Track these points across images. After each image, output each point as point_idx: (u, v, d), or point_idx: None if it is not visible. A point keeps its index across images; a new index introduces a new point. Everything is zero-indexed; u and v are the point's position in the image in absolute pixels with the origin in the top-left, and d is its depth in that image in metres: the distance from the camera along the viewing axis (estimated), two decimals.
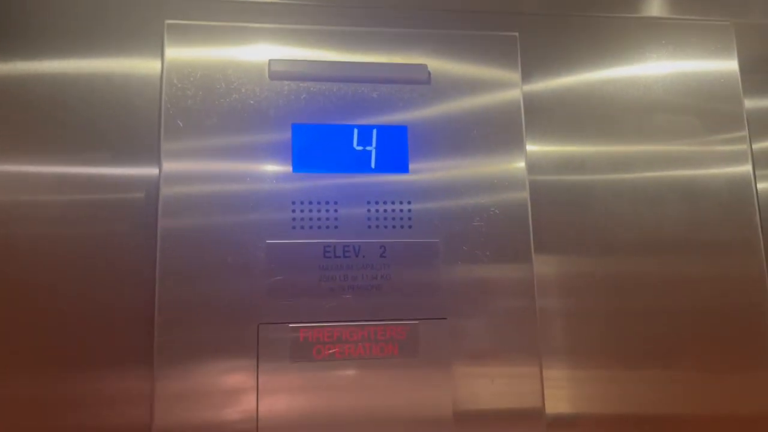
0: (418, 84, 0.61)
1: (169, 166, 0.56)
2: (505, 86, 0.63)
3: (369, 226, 0.58)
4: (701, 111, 0.67)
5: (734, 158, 0.66)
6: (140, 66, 0.58)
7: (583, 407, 0.60)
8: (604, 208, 0.63)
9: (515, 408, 0.57)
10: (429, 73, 0.61)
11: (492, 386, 0.57)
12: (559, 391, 0.60)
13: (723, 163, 0.66)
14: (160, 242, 0.54)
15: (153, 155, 0.57)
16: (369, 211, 0.58)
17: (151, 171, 0.57)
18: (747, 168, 0.66)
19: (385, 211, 0.58)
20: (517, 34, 0.64)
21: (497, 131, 0.61)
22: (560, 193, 0.63)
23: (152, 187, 0.56)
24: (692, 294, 0.63)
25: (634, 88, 0.67)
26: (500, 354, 0.58)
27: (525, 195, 0.61)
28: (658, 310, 0.62)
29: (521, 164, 0.61)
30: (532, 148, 0.63)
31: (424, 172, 0.60)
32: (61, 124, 0.56)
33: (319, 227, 0.57)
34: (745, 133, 0.67)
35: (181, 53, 0.58)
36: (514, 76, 0.63)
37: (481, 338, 0.58)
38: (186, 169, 0.56)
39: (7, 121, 0.56)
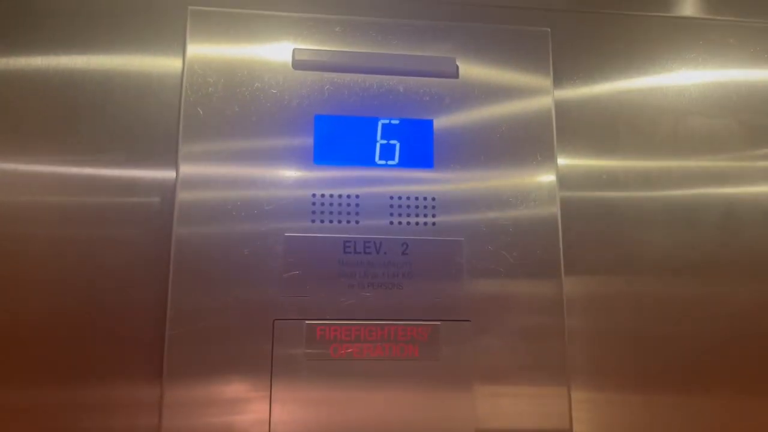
0: (446, 78, 0.59)
1: (187, 167, 0.54)
2: (536, 86, 0.60)
3: (391, 222, 0.56)
4: (742, 121, 0.63)
5: None
6: (161, 56, 0.57)
7: (611, 431, 0.57)
8: (636, 227, 0.60)
9: (541, 429, 0.54)
10: (457, 67, 0.59)
11: (516, 404, 0.54)
12: (585, 414, 0.56)
13: (765, 181, 0.63)
14: (175, 248, 0.52)
15: (170, 157, 0.55)
16: (392, 206, 0.56)
17: (168, 174, 0.55)
18: None
19: (408, 207, 0.56)
20: (549, 29, 0.62)
21: (526, 136, 0.59)
22: (591, 210, 0.60)
23: (168, 191, 0.54)
24: (729, 318, 0.60)
25: (669, 95, 0.63)
26: (526, 368, 0.55)
27: (555, 210, 0.58)
28: (693, 333, 0.59)
29: (552, 178, 0.58)
30: (562, 161, 0.60)
31: (449, 168, 0.57)
32: (74, 120, 0.54)
33: (340, 221, 0.55)
34: None
35: (203, 40, 0.57)
36: (545, 75, 0.61)
37: (506, 346, 0.55)
38: (204, 170, 0.54)
39: (18, 118, 0.54)
